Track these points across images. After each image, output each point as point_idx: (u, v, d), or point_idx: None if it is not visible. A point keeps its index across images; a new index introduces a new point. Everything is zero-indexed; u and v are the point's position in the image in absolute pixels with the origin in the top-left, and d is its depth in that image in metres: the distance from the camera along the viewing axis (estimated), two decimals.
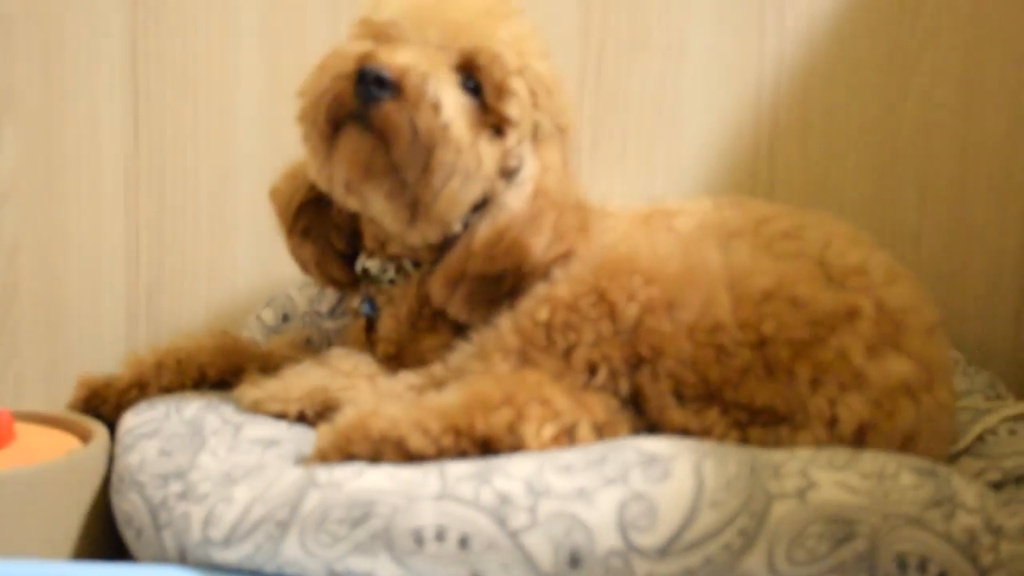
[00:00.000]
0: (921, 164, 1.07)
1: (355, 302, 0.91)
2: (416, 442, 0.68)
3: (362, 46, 0.78)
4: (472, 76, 0.80)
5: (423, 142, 0.75)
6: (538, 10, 0.91)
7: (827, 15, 1.05)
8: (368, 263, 0.88)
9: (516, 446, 0.69)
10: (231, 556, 0.63)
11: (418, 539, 0.60)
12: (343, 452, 0.69)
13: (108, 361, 1.07)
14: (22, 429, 0.85)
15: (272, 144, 1.06)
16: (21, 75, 1.06)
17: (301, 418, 0.81)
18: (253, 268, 1.05)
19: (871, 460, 0.66)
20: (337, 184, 0.80)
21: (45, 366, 1.08)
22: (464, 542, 0.60)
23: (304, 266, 0.92)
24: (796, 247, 0.79)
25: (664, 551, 0.59)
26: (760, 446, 0.71)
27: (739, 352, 0.73)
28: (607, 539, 0.59)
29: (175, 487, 0.69)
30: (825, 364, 0.72)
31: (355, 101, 0.75)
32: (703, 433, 0.73)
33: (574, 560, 0.59)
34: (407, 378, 0.81)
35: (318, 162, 0.80)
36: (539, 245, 0.80)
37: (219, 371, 0.91)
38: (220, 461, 0.71)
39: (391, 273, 0.87)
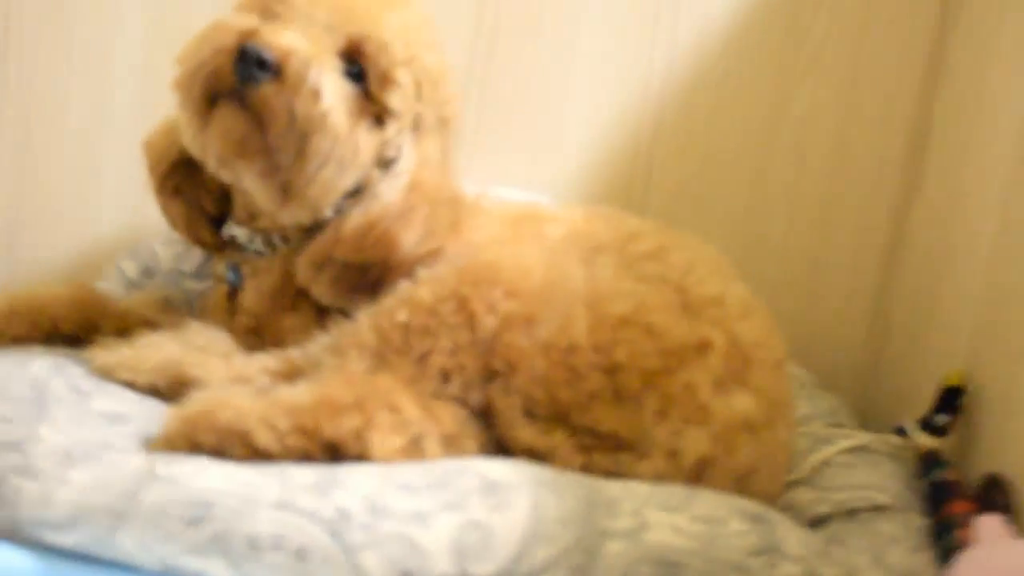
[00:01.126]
0: (793, 183, 1.12)
1: (220, 267, 0.91)
2: (262, 438, 0.69)
3: (247, 21, 0.77)
4: (357, 62, 0.80)
5: (300, 128, 0.76)
6: None
7: (719, 30, 1.08)
8: (236, 231, 0.88)
9: (362, 454, 0.70)
10: (65, 540, 0.64)
11: (254, 546, 0.61)
12: (188, 440, 0.70)
13: None
14: None
15: (150, 92, 1.04)
16: None
17: (152, 390, 0.81)
18: (119, 216, 1.05)
19: (704, 503, 0.69)
20: (210, 156, 0.80)
21: None
22: (300, 554, 0.61)
23: (172, 223, 0.91)
24: (659, 270, 0.82)
25: None
26: (603, 472, 0.74)
27: (591, 375, 0.75)
28: (441, 564, 0.61)
29: (12, 458, 0.68)
30: (672, 396, 0.75)
31: (234, 78, 0.75)
32: (548, 453, 0.75)
33: None
34: (262, 360, 0.82)
35: (191, 131, 0.80)
36: (409, 240, 0.82)
37: (73, 325, 0.90)
38: (62, 435, 0.70)
39: (258, 244, 0.87)
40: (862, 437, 0.93)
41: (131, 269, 1.03)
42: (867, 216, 1.12)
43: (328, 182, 0.79)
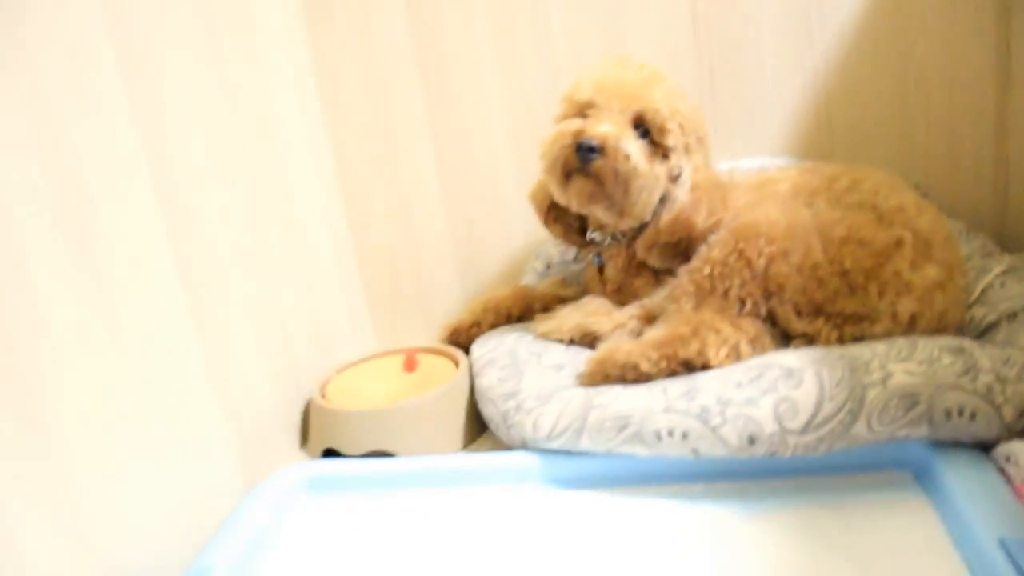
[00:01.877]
0: (922, 108, 1.30)
1: (589, 256, 1.23)
2: (644, 366, 0.99)
3: (575, 124, 1.07)
4: (643, 125, 1.08)
5: (622, 179, 1.05)
6: (665, 47, 1.28)
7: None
8: (594, 234, 1.19)
9: (705, 364, 0.97)
10: (551, 445, 0.97)
11: (658, 436, 0.89)
12: (602, 375, 1.01)
13: (452, 302, 1.46)
14: (422, 358, 1.24)
15: (520, 158, 1.38)
16: None
17: (571, 342, 1.15)
18: (524, 237, 1.39)
19: (922, 349, 0.89)
20: (572, 204, 1.12)
21: (419, 307, 1.47)
22: (685, 435, 0.88)
23: (555, 236, 1.24)
24: (856, 198, 1.04)
25: (804, 430, 0.85)
26: (851, 339, 0.97)
27: (831, 280, 0.97)
28: (769, 426, 0.85)
29: (512, 403, 1.03)
30: (886, 280, 0.97)
31: (577, 161, 1.05)
32: (815, 334, 0.98)
33: (752, 440, 0.86)
34: (629, 311, 1.13)
35: (557, 192, 1.11)
36: (700, 220, 1.08)
37: (519, 311, 1.27)
38: (534, 384, 1.04)
39: (608, 240, 1.17)
40: (1007, 260, 1.10)
41: (538, 265, 1.37)
42: (977, 111, 1.26)
43: (645, 203, 1.08)
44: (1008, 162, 1.27)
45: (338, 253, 1.40)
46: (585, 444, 0.94)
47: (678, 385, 0.94)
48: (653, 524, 0.87)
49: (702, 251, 1.05)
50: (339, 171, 1.42)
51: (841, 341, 0.98)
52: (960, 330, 1.01)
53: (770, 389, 0.88)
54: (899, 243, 0.98)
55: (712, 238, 1.05)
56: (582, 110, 1.09)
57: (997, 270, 1.09)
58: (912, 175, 1.28)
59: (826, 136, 1.33)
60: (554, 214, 1.19)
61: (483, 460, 1.01)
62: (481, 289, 1.44)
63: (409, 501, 0.98)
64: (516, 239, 1.42)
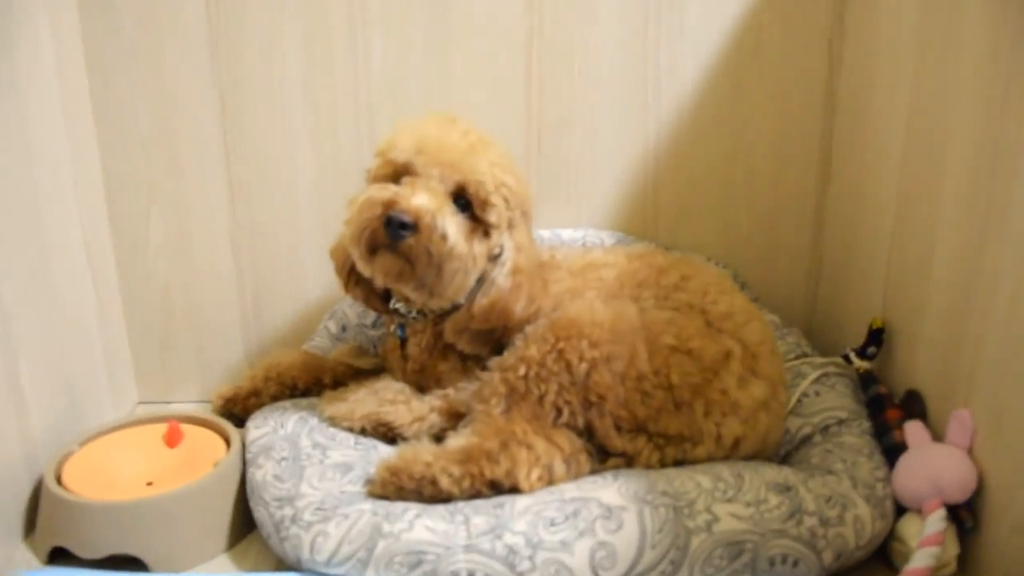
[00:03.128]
0: (746, 187, 1.27)
1: (392, 325, 1.09)
2: (445, 483, 0.88)
3: (387, 193, 0.94)
4: (464, 197, 0.96)
5: (436, 261, 0.93)
6: (495, 100, 1.19)
7: (689, 94, 1.22)
8: (398, 305, 1.06)
9: (513, 486, 0.88)
10: (332, 572, 0.84)
11: None
12: (395, 487, 0.89)
13: (232, 354, 1.29)
14: (188, 430, 1.06)
15: (328, 209, 1.23)
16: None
17: (363, 432, 1.02)
18: (320, 290, 1.24)
19: (748, 487, 0.85)
20: (377, 279, 0.98)
21: (194, 356, 1.29)
22: None
23: (355, 299, 1.09)
24: (685, 298, 0.99)
25: None
26: (673, 461, 0.92)
27: (655, 394, 0.92)
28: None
29: (288, 511, 0.89)
30: (712, 400, 0.93)
31: (386, 236, 0.92)
32: (636, 454, 0.93)
33: None
34: (431, 400, 1.02)
35: (361, 265, 0.97)
36: (519, 308, 0.99)
37: (305, 382, 1.12)
38: (316, 490, 0.91)
39: (414, 313, 1.05)
40: (819, 363, 1.11)
41: (332, 326, 1.23)
42: (799, 203, 1.27)
43: (459, 286, 0.97)
44: (822, 254, 1.27)
45: (98, 286, 1.19)
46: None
47: (483, 518, 0.84)
48: None
49: (518, 346, 0.96)
50: (108, 188, 1.21)
51: (662, 463, 0.93)
52: (777, 444, 1.00)
53: (587, 531, 0.81)
54: (728, 356, 0.94)
55: (529, 329, 0.97)
56: (398, 173, 0.96)
57: (812, 375, 1.08)
58: (732, 261, 1.27)
59: (651, 212, 1.26)
60: (356, 277, 1.05)
61: None
62: (266, 344, 1.28)
63: None
64: (312, 292, 1.27)
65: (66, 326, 1.10)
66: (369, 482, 0.92)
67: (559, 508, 0.84)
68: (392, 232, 0.91)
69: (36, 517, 0.99)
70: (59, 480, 0.97)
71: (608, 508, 0.83)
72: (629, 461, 0.93)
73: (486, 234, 0.97)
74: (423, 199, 0.92)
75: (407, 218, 0.91)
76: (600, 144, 1.23)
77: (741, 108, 1.22)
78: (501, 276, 0.98)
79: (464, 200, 0.96)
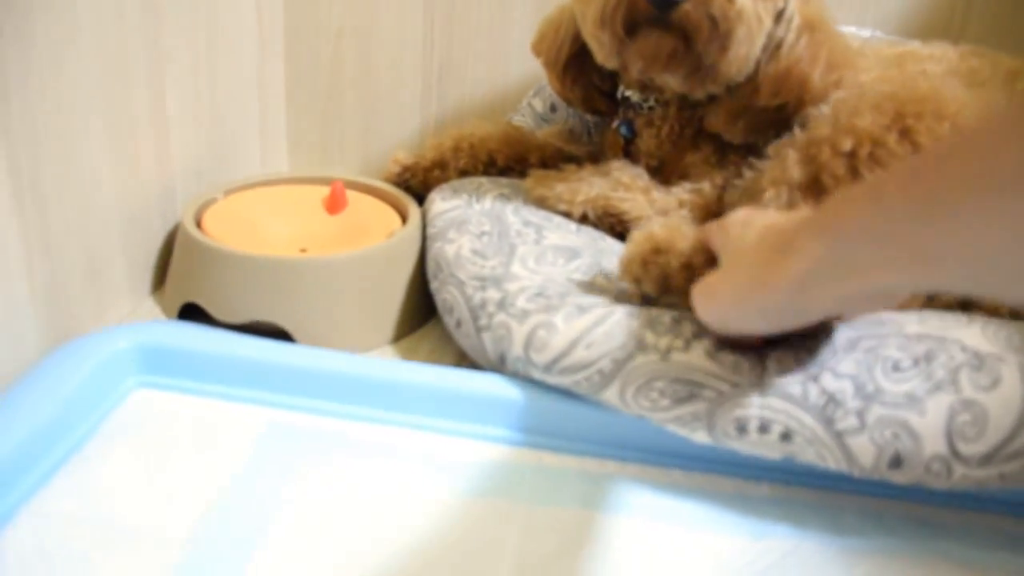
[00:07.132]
0: None
1: (614, 123, 0.82)
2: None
3: None
4: None
5: (722, 29, 0.67)
6: None
7: None
8: (629, 92, 0.79)
9: None
10: (550, 380, 0.60)
11: (741, 428, 0.54)
12: (659, 269, 0.63)
13: (407, 132, 1.01)
14: (352, 196, 0.83)
15: None
16: None
17: (583, 220, 0.76)
18: (524, 57, 0.91)
19: None
20: (631, 70, 0.73)
21: (360, 135, 1.02)
22: (787, 436, 0.53)
23: (570, 103, 0.85)
24: None
25: (987, 459, 0.51)
26: None
27: None
28: (933, 445, 0.52)
29: (493, 293, 0.65)
30: None
31: (649, 6, 0.67)
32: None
33: (896, 461, 0.52)
34: (678, 193, 0.76)
35: (607, 54, 0.73)
36: (817, 75, 0.72)
37: (506, 158, 0.86)
38: (533, 273, 0.66)
39: (651, 102, 0.78)
40: None
41: (539, 105, 0.94)
42: None
43: (743, 60, 0.70)
44: None
45: (263, 27, 0.94)
46: (610, 396, 0.58)
47: (790, 355, 0.57)
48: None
49: (822, 119, 0.67)
50: None
51: None
52: None
53: (946, 383, 0.53)
54: None
55: (838, 97, 0.69)
56: None
57: None
58: None
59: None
60: (573, 72, 0.80)
61: (436, 377, 0.62)
62: (455, 118, 0.99)
63: (296, 425, 0.61)
64: (512, 58, 0.96)
65: (219, 59, 0.85)
66: (623, 261, 0.64)
67: (902, 347, 0.56)
68: (660, 1, 0.65)
69: (166, 269, 0.78)
70: (199, 226, 0.75)
71: (977, 355, 0.55)
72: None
73: None
74: None
75: None
76: None
77: None
78: (789, 33, 0.71)
79: None
